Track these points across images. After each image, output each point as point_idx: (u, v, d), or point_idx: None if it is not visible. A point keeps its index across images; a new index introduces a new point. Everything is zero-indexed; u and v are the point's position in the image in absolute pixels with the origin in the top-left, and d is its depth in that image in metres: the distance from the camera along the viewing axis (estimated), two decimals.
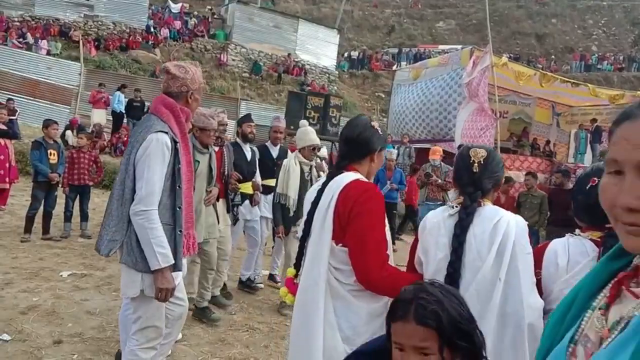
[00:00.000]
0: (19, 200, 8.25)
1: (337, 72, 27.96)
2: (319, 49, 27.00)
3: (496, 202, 2.06)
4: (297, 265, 2.20)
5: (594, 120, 14.61)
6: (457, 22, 39.25)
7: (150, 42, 23.07)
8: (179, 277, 2.67)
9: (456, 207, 1.94)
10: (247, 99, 20.95)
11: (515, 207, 8.11)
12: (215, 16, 27.47)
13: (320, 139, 10.95)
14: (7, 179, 7.21)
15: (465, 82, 11.46)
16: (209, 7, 30.63)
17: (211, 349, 3.87)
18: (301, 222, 2.23)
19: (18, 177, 7.70)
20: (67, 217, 6.95)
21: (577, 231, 1.91)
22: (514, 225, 1.83)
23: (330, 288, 1.97)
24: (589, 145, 14.50)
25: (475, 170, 1.93)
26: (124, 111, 14.32)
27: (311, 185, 4.85)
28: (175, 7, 28.14)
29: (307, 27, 27.02)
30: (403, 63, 28.79)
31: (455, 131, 12.00)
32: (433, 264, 1.91)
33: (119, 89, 14.80)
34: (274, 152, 5.57)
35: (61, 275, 5.13)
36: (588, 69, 31.84)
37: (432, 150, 8.64)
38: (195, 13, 28.50)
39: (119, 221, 2.45)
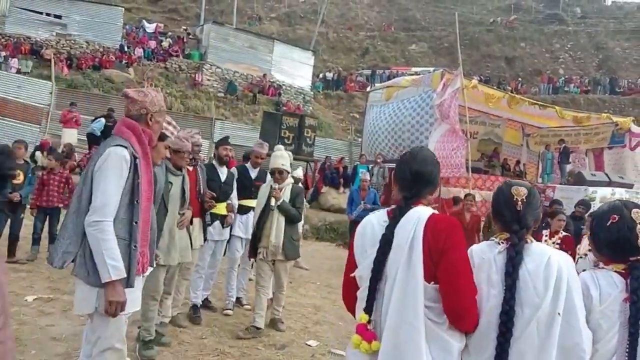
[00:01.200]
0: None
1: (312, 93, 28.13)
2: (294, 69, 27.16)
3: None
4: (369, 310, 1.99)
5: (561, 141, 15.01)
6: (429, 45, 40.11)
7: (124, 62, 22.88)
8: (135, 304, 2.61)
9: (502, 242, 1.95)
10: (222, 118, 20.88)
11: (486, 226, 8.19)
12: (190, 36, 27.46)
13: (295, 159, 10.92)
14: None
15: (436, 104, 11.67)
16: (184, 28, 30.67)
17: None
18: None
19: None
20: (35, 240, 6.76)
21: (600, 264, 1.99)
22: (564, 261, 1.87)
23: (425, 328, 1.86)
24: (556, 166, 14.87)
25: (519, 209, 1.95)
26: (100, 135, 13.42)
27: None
28: (150, 27, 28.09)
29: (282, 48, 27.20)
30: (377, 85, 29.19)
31: None
32: (487, 300, 1.89)
33: (104, 117, 13.72)
34: (253, 173, 5.72)
35: (26, 300, 4.98)
36: (556, 91, 32.74)
37: None
38: (170, 33, 28.46)
39: (74, 233, 2.42)
